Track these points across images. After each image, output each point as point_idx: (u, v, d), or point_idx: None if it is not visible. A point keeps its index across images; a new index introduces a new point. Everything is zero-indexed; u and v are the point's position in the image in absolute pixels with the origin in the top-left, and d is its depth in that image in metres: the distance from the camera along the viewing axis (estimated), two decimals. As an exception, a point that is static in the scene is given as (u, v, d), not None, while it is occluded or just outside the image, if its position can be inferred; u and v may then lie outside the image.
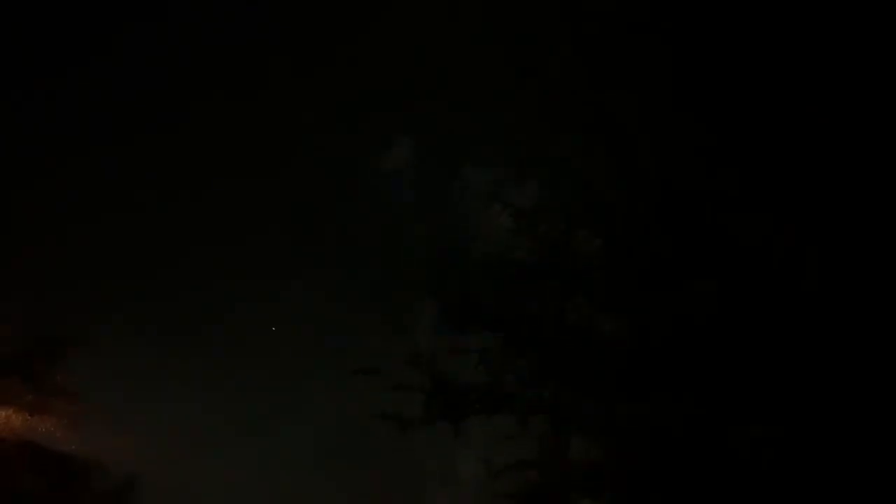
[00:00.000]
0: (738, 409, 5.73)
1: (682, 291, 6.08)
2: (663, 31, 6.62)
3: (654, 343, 5.85)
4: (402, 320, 7.52)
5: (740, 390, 5.70)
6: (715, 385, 5.73)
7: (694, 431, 5.85)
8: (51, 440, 19.86)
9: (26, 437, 19.54)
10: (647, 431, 5.98)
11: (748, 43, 6.28)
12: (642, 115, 6.70)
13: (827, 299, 5.53)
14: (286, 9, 10.80)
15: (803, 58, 6.12)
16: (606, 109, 6.79)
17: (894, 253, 5.61)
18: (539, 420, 7.48)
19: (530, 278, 6.90)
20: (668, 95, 6.64)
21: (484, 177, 8.35)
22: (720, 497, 5.94)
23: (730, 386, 5.71)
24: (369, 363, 7.77)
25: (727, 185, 6.08)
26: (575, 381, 6.57)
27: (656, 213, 6.48)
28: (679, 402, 5.82)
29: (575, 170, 7.24)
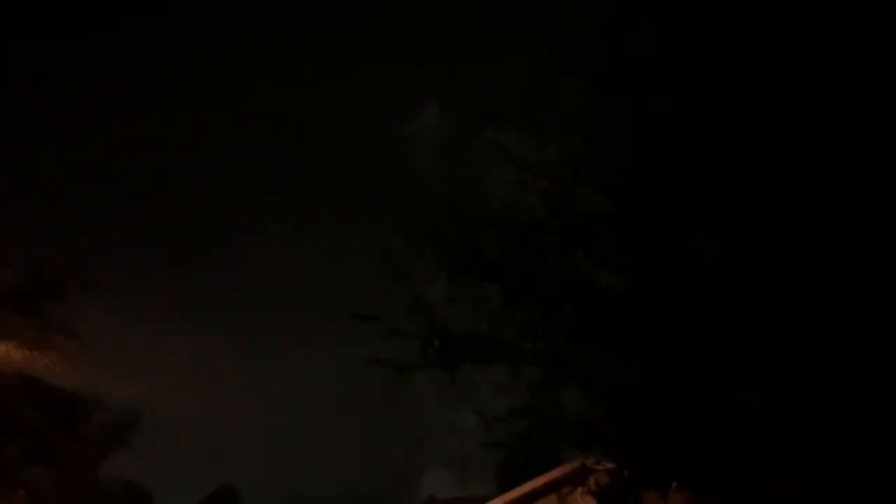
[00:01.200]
0: (735, 365, 5.79)
1: (683, 248, 6.10)
2: None
3: (653, 298, 5.89)
4: (403, 269, 7.52)
5: (737, 347, 5.75)
6: (712, 341, 5.78)
7: (688, 387, 5.92)
8: (51, 376, 20.12)
9: (26, 372, 19.77)
10: (641, 385, 6.05)
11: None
12: (649, 70, 6.65)
13: (826, 258, 5.55)
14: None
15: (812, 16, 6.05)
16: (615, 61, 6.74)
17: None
18: (533, 372, 7.58)
19: (532, 232, 6.90)
20: (675, 53, 6.58)
21: (503, 139, 8.32)
22: (712, 451, 6.05)
23: (727, 342, 5.76)
24: (371, 310, 7.78)
25: (731, 142, 6.06)
26: (571, 333, 6.63)
27: (659, 169, 6.46)
28: (675, 358, 5.88)
29: (580, 126, 7.20)
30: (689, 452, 6.21)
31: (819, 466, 5.63)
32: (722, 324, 5.81)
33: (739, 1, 6.20)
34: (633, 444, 6.56)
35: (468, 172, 8.40)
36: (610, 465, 7.94)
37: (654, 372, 5.90)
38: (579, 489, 13.18)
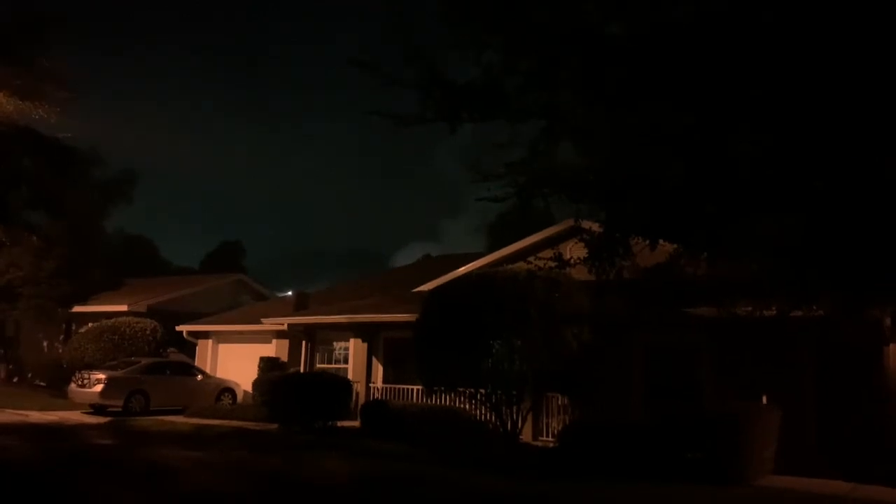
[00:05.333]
0: (735, 119, 5.74)
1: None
2: None
3: (661, 48, 5.68)
4: (402, 16, 7.15)
5: (740, 101, 5.67)
6: (712, 93, 5.68)
7: (685, 139, 5.93)
8: (48, 128, 20.15)
9: (22, 123, 19.75)
10: (639, 136, 6.06)
11: None
12: None
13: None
14: None
15: None
16: None
17: None
18: (531, 128, 7.55)
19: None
20: None
21: None
22: (704, 199, 6.21)
23: (730, 96, 5.67)
24: (369, 58, 7.53)
25: None
26: (575, 84, 6.49)
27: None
28: (677, 110, 5.82)
29: None
30: (681, 202, 6.38)
31: (812, 213, 5.79)
32: (725, 75, 5.66)
33: None
34: (626, 195, 6.70)
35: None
36: (601, 221, 8.21)
37: (652, 123, 5.87)
38: (571, 241, 13.80)
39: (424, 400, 18.71)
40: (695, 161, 5.90)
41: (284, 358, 25.17)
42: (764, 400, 14.21)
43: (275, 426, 19.05)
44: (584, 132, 6.74)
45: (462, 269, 20.23)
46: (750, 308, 9.54)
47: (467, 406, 17.33)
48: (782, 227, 5.88)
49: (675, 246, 8.09)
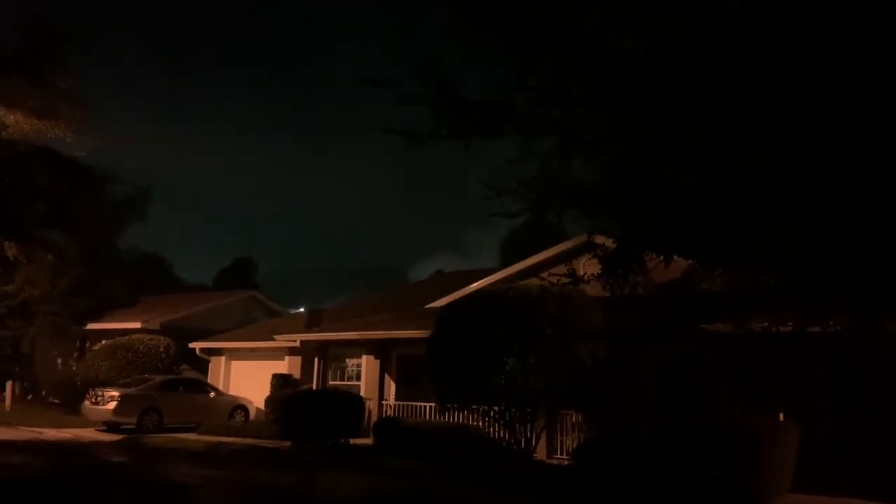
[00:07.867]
0: (744, 126, 5.70)
1: (702, 7, 5.76)
2: None
3: (670, 59, 5.66)
4: (412, 29, 7.15)
5: (746, 106, 5.63)
6: (723, 103, 5.64)
7: (697, 151, 5.90)
8: (64, 146, 20.36)
9: (39, 143, 19.96)
10: (651, 149, 6.02)
11: None
12: None
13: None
14: None
15: None
16: None
17: None
18: (543, 144, 7.53)
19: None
20: None
21: None
22: (715, 214, 6.17)
23: (737, 105, 5.63)
24: (380, 76, 7.54)
25: None
26: (587, 99, 6.47)
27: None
28: (684, 118, 5.79)
29: None
30: (694, 218, 6.33)
31: (820, 225, 5.73)
32: (735, 85, 5.62)
33: None
34: (640, 210, 6.67)
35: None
36: (615, 236, 8.16)
37: (664, 136, 5.84)
38: (584, 257, 13.73)
39: (437, 417, 18.61)
40: (705, 170, 5.86)
41: (297, 375, 25.14)
42: (781, 417, 14.03)
43: (287, 443, 18.99)
44: (594, 142, 6.71)
45: (475, 285, 20.17)
46: (766, 324, 9.44)
47: (481, 424, 17.22)
48: (792, 236, 5.82)
49: (690, 262, 8.04)
